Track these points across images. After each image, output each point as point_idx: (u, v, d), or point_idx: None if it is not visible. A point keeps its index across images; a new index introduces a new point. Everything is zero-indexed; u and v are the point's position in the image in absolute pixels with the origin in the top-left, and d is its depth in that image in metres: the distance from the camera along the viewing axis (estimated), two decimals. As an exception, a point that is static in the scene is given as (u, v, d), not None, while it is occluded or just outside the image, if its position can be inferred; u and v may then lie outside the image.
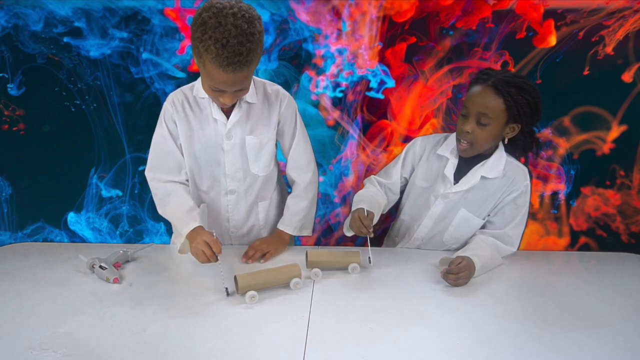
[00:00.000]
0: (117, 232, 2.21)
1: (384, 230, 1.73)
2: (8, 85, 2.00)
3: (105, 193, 2.15)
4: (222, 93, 1.24)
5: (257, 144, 1.42)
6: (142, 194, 2.15)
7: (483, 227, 1.46)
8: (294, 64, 2.00)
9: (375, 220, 1.38)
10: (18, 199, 2.15)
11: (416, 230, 1.51)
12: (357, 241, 1.99)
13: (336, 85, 2.03)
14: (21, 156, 2.09)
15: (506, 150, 1.41)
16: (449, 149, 1.44)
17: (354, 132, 2.08)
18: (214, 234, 1.27)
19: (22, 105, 2.03)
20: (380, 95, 2.03)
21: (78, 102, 2.03)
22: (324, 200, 2.17)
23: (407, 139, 2.05)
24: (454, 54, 1.97)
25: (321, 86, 2.03)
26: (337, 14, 1.93)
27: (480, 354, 1.00)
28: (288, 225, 1.51)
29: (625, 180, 2.09)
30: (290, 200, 1.54)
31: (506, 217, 1.42)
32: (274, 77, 2.01)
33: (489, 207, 1.43)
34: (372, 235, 1.34)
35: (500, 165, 1.39)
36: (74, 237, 2.19)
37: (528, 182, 1.41)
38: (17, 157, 2.09)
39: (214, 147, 1.40)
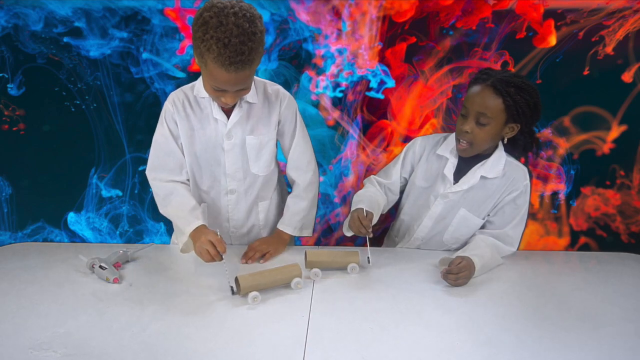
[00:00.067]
0: (117, 232, 2.21)
1: (383, 230, 1.73)
2: (8, 85, 2.00)
3: (105, 193, 2.15)
4: (224, 93, 1.24)
5: (257, 144, 1.42)
6: (142, 194, 2.15)
7: (483, 227, 1.46)
8: (294, 64, 2.00)
9: (375, 220, 1.38)
10: (18, 199, 2.15)
11: (416, 230, 1.51)
12: (357, 241, 1.98)
13: (336, 85, 2.03)
14: (21, 156, 2.09)
15: (506, 150, 1.41)
16: (448, 148, 1.44)
17: (354, 132, 2.08)
18: (218, 232, 1.27)
19: (22, 105, 2.03)
20: (380, 95, 2.03)
21: (78, 102, 2.03)
22: (324, 200, 2.17)
23: (407, 139, 2.05)
24: (454, 54, 1.96)
25: (321, 86, 2.03)
26: (337, 14, 1.93)
27: (480, 354, 1.00)
28: (288, 226, 1.51)
29: (625, 180, 2.09)
30: (290, 200, 1.53)
31: (506, 217, 1.43)
32: (274, 77, 2.00)
33: (489, 207, 1.43)
34: (371, 236, 1.34)
35: (499, 165, 1.39)
36: (74, 237, 2.19)
37: (528, 181, 1.41)
38: (17, 157, 2.09)
39: (215, 146, 1.40)
